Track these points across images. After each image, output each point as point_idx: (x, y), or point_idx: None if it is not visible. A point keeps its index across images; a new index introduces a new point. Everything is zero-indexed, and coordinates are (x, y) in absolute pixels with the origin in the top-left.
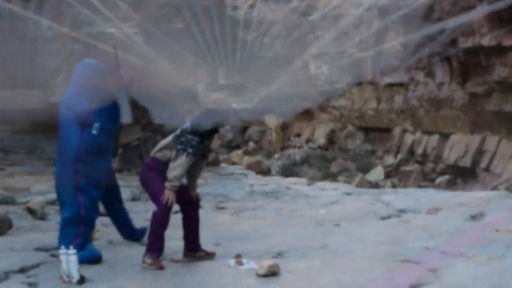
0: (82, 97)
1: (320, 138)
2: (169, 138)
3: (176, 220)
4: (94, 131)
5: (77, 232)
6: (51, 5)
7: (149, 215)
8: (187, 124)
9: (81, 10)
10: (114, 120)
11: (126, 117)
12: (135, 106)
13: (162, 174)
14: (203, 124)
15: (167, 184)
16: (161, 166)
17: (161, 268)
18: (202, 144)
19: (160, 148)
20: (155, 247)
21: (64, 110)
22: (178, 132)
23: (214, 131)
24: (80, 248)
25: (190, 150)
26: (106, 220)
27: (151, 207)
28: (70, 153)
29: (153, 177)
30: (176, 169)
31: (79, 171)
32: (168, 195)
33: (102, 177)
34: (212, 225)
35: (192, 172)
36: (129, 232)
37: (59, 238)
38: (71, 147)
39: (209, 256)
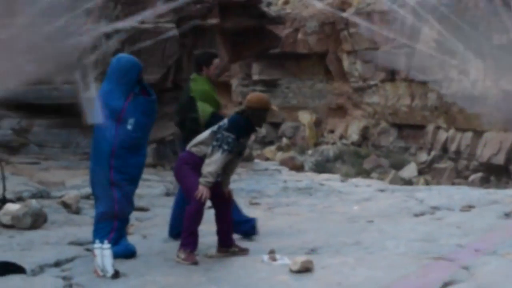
0: (117, 92)
1: (354, 134)
2: (206, 133)
3: (210, 216)
4: (129, 127)
5: (111, 226)
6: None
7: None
8: (225, 121)
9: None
10: (149, 115)
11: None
12: (169, 102)
13: (196, 169)
14: (241, 123)
15: (201, 180)
16: (197, 161)
17: (195, 263)
18: (238, 142)
19: (197, 143)
20: (189, 242)
21: (100, 105)
22: (215, 128)
23: (251, 129)
24: (114, 242)
25: (225, 147)
26: (140, 214)
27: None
28: (105, 148)
29: (187, 171)
30: (211, 165)
31: (113, 166)
32: (202, 190)
33: (137, 172)
34: None
35: (227, 169)
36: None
37: (94, 232)
38: (106, 142)
39: (243, 251)
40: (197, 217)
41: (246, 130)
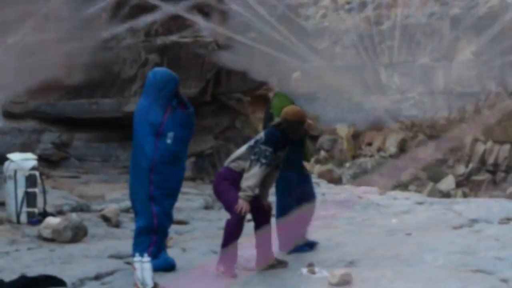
0: (155, 106)
1: (391, 147)
2: (243, 148)
3: (249, 229)
4: (169, 141)
5: (150, 240)
6: (127, 13)
7: (221, 224)
8: (261, 135)
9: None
10: (187, 128)
11: None
12: (207, 116)
13: (235, 184)
14: (277, 136)
15: (241, 194)
16: (235, 176)
17: (234, 276)
18: (276, 155)
19: (235, 158)
20: (229, 256)
21: (138, 120)
22: (252, 142)
23: (287, 142)
24: (153, 256)
25: (263, 161)
26: (179, 228)
27: (223, 216)
28: (145, 163)
29: (226, 187)
30: (250, 179)
31: (153, 181)
32: (242, 204)
33: (176, 186)
34: None
35: (265, 182)
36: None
37: (133, 246)
38: (145, 157)
39: (282, 264)
40: (237, 231)
41: (283, 143)
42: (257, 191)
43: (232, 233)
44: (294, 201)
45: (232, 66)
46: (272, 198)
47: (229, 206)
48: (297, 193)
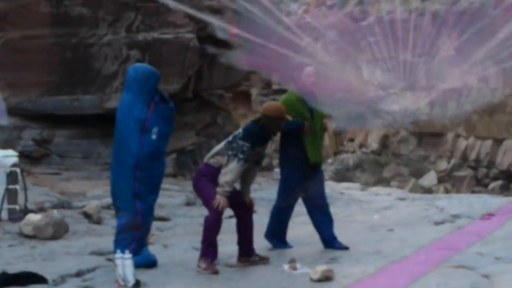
0: (138, 102)
1: (373, 143)
2: (222, 144)
3: (230, 225)
4: (153, 136)
5: (132, 237)
6: (108, 10)
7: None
8: (240, 130)
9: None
10: (169, 123)
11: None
12: (189, 112)
13: (214, 180)
14: (255, 131)
15: (218, 189)
16: (214, 172)
17: (216, 272)
18: (254, 150)
19: (213, 154)
20: (209, 252)
21: (121, 116)
22: (230, 138)
23: (266, 137)
24: (135, 252)
25: (241, 156)
26: (161, 224)
27: (205, 212)
28: (130, 160)
29: (205, 183)
30: (227, 174)
31: (138, 177)
32: (219, 200)
33: (158, 182)
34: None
35: (245, 178)
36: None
37: (115, 243)
38: (131, 154)
39: (263, 260)
40: (216, 226)
41: (262, 139)
42: (233, 187)
43: (210, 229)
44: (292, 199)
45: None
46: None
47: (207, 202)
48: (297, 192)
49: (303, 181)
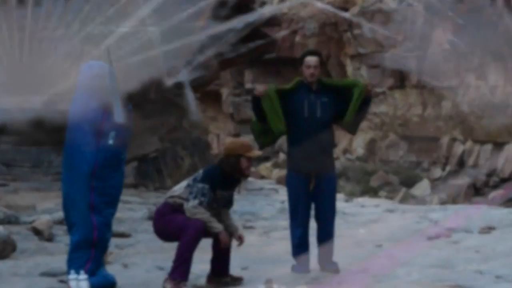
0: (94, 103)
1: (359, 148)
2: (182, 185)
3: (202, 242)
4: (110, 141)
5: (88, 256)
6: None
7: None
8: (200, 172)
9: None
10: (127, 127)
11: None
12: (152, 115)
13: (176, 212)
14: (215, 173)
15: (214, 229)
16: (175, 207)
17: None
18: (215, 194)
19: (172, 195)
20: (180, 272)
21: (75, 119)
22: (190, 181)
23: (229, 181)
24: (91, 273)
25: (202, 199)
26: (120, 241)
27: None
28: (85, 168)
29: (168, 217)
30: (197, 215)
31: (94, 187)
32: (225, 236)
33: (117, 193)
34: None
35: (220, 219)
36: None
37: (68, 262)
38: (86, 161)
39: (236, 281)
40: (194, 245)
41: (224, 181)
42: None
43: (188, 248)
44: (299, 205)
45: None
46: None
47: (182, 229)
48: (303, 200)
49: (306, 187)
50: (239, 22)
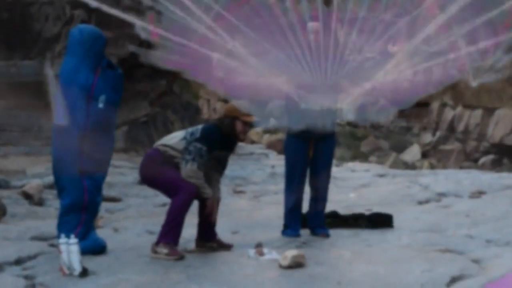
0: (84, 67)
1: (349, 113)
2: (177, 138)
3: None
4: (100, 104)
5: (78, 219)
6: None
7: (158, 200)
8: (198, 128)
9: None
10: (118, 91)
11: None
12: (142, 79)
13: (168, 164)
14: (214, 134)
15: (205, 195)
16: (166, 157)
17: (181, 258)
18: (212, 154)
19: (165, 144)
20: (173, 235)
21: (65, 83)
22: (188, 135)
23: (227, 141)
24: (82, 237)
25: (200, 161)
26: (111, 205)
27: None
28: (74, 131)
29: (160, 167)
30: (192, 178)
31: (84, 151)
32: (212, 204)
33: (107, 158)
34: (229, 211)
35: (209, 182)
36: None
37: (58, 226)
38: (75, 124)
39: (224, 248)
40: (186, 209)
41: (222, 142)
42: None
43: (180, 211)
44: (296, 170)
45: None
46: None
47: (174, 186)
48: (300, 165)
49: (305, 152)
50: None
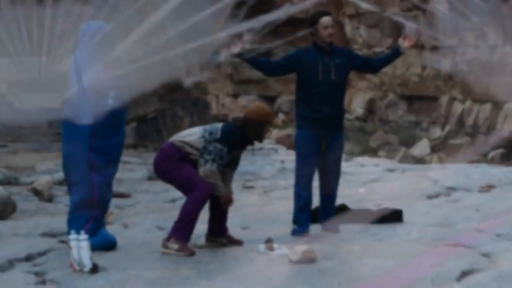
0: (94, 62)
1: (358, 108)
2: (196, 135)
3: None
4: (110, 100)
5: (89, 215)
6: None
7: (168, 196)
8: (218, 127)
9: None
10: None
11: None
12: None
13: (184, 161)
14: (235, 135)
15: (219, 193)
16: (182, 154)
17: (192, 254)
18: (230, 155)
19: (183, 140)
20: (185, 232)
21: (74, 78)
22: (206, 134)
23: (246, 142)
24: (92, 233)
25: (220, 162)
26: (121, 201)
27: (170, 187)
28: (84, 127)
29: (176, 163)
30: (210, 178)
31: (94, 147)
32: (228, 197)
33: (117, 154)
34: (239, 206)
35: (223, 179)
36: None
37: (68, 223)
38: (85, 119)
39: (235, 243)
40: (201, 207)
41: (241, 143)
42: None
43: (196, 207)
44: (306, 165)
45: None
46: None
47: (190, 182)
48: (312, 159)
49: (317, 147)
50: (258, 21)
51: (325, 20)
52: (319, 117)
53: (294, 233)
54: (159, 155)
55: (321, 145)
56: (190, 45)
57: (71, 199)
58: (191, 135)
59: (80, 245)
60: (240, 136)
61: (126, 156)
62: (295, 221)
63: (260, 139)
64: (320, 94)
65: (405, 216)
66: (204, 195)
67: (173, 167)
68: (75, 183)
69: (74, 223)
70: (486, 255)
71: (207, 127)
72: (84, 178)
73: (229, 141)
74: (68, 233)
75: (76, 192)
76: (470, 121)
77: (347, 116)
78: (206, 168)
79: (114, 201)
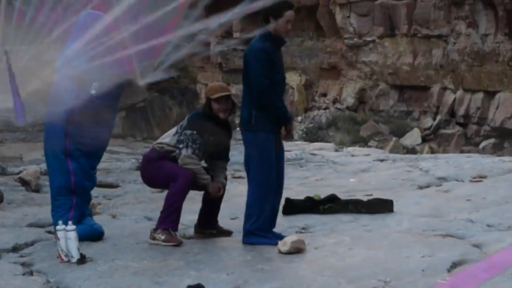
0: (83, 52)
1: (349, 98)
2: (171, 132)
3: (190, 192)
4: (93, 91)
5: (70, 203)
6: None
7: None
8: (185, 119)
9: None
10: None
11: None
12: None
13: (164, 159)
14: (199, 118)
15: (203, 181)
16: (161, 154)
17: (179, 244)
18: (205, 139)
19: (160, 142)
20: (171, 220)
21: (61, 66)
22: (179, 128)
23: (216, 124)
24: (76, 221)
25: (194, 146)
26: (108, 192)
27: None
28: (62, 113)
29: (156, 164)
30: (189, 165)
31: (69, 134)
32: (216, 188)
33: (99, 146)
34: (228, 196)
35: (214, 175)
36: None
37: (52, 212)
38: (64, 107)
39: (224, 234)
40: (184, 195)
41: (209, 125)
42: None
43: (178, 196)
44: (272, 171)
45: None
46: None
47: (172, 175)
48: (274, 161)
49: (275, 149)
50: (213, 21)
51: (290, 14)
52: (281, 117)
53: (268, 242)
54: (142, 162)
55: (277, 144)
56: (142, 46)
57: (51, 185)
58: (167, 135)
59: (67, 235)
60: (206, 117)
61: (114, 145)
62: (261, 234)
63: (218, 116)
64: (281, 92)
65: (396, 207)
66: (185, 182)
67: (155, 168)
68: (53, 169)
69: (58, 212)
70: (477, 245)
71: (181, 123)
72: (60, 164)
73: (195, 124)
74: (55, 223)
75: (54, 178)
76: (461, 110)
77: (338, 105)
78: (182, 155)
79: (102, 191)
